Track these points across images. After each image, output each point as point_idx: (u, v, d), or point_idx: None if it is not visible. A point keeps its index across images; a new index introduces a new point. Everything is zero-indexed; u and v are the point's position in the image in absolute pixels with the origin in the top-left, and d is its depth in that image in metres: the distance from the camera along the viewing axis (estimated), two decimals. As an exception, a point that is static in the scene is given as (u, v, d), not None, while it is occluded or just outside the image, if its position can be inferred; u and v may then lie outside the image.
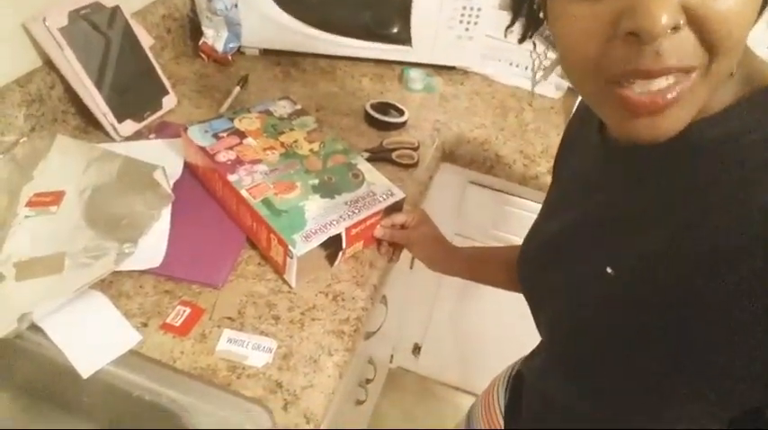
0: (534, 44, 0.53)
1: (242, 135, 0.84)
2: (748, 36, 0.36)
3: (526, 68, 1.21)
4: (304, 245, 0.69)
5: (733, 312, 0.37)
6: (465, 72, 1.24)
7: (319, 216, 0.73)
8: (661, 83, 0.36)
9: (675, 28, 0.33)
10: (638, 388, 0.45)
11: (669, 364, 0.42)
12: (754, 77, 0.41)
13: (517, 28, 0.51)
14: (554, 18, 0.40)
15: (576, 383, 0.53)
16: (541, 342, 0.71)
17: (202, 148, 0.80)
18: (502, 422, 0.84)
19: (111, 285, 0.70)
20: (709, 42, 0.34)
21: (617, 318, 0.46)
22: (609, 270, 0.46)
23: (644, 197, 0.46)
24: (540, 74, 0.56)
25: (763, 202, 0.36)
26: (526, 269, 0.63)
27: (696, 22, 0.34)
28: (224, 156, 0.79)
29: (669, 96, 0.36)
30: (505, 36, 0.53)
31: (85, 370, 0.61)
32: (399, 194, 0.80)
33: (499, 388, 0.87)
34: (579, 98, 1.11)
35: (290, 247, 0.69)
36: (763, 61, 0.42)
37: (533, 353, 0.76)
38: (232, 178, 0.76)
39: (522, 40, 0.52)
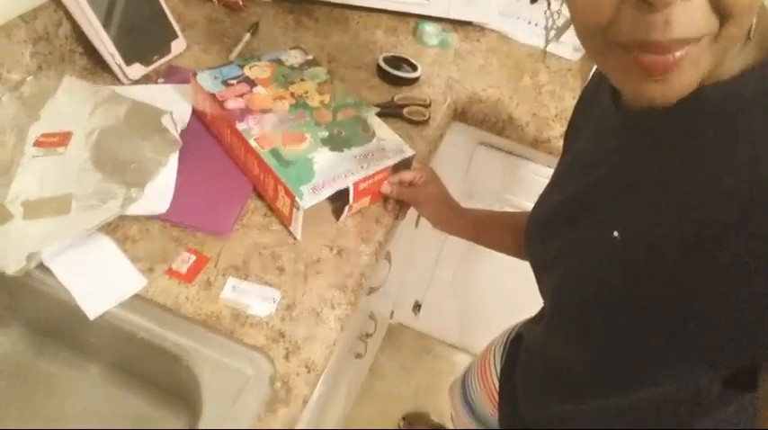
0: (548, 2, 0.52)
1: (252, 83, 0.82)
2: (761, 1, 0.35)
3: (545, 28, 1.18)
4: (311, 197, 0.69)
5: (738, 276, 0.37)
6: (482, 29, 1.21)
7: (327, 169, 0.73)
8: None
9: None
10: (638, 349, 0.46)
11: (670, 327, 0.42)
12: None
13: None
14: None
15: (577, 346, 0.54)
16: (543, 308, 0.71)
17: (211, 95, 0.79)
18: (497, 384, 0.85)
19: (117, 229, 0.70)
20: (721, 8, 0.34)
21: (621, 281, 0.46)
22: (615, 233, 0.46)
23: (655, 162, 0.45)
24: (552, 33, 0.55)
25: None
26: (534, 235, 0.63)
27: None
28: (233, 104, 0.78)
29: (678, 54, 0.35)
30: None
31: (92, 311, 0.62)
32: (409, 152, 0.79)
33: (495, 351, 0.89)
34: (595, 66, 1.08)
35: (296, 199, 0.69)
36: None
37: (535, 317, 0.77)
38: (241, 126, 0.75)
39: (534, 0, 0.50)
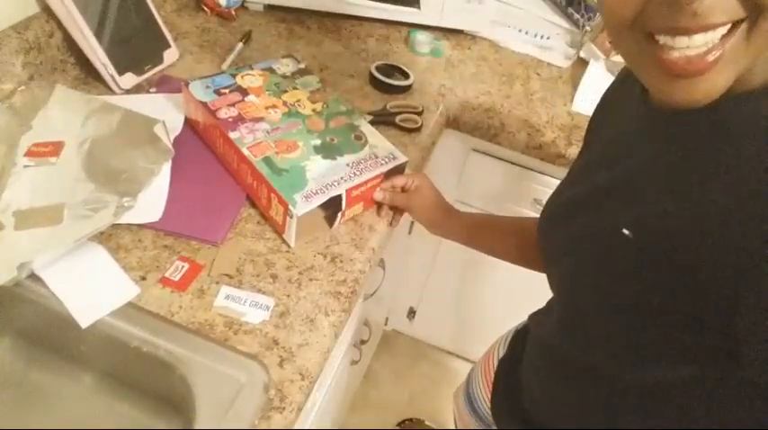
0: (584, 5, 0.53)
1: (244, 92, 0.83)
2: None
3: (535, 35, 1.19)
4: (304, 204, 0.69)
5: (747, 283, 0.37)
6: (473, 37, 1.22)
7: (320, 176, 0.73)
8: (699, 41, 0.36)
9: None
10: (647, 341, 0.46)
11: (683, 325, 0.42)
12: None
13: None
14: None
15: (585, 337, 0.54)
16: (551, 299, 0.71)
17: (204, 104, 0.79)
18: None
19: (110, 238, 0.70)
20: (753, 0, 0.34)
21: (632, 277, 0.46)
22: (626, 231, 0.47)
23: (678, 165, 0.45)
24: (586, 37, 0.56)
25: None
26: (547, 223, 0.63)
27: None
28: (225, 113, 0.79)
29: (709, 59, 0.36)
30: None
31: (84, 320, 0.62)
32: (401, 158, 0.79)
33: (499, 349, 0.88)
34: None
35: (290, 207, 0.69)
36: None
37: (544, 309, 0.76)
38: (233, 135, 0.76)
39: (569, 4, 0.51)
